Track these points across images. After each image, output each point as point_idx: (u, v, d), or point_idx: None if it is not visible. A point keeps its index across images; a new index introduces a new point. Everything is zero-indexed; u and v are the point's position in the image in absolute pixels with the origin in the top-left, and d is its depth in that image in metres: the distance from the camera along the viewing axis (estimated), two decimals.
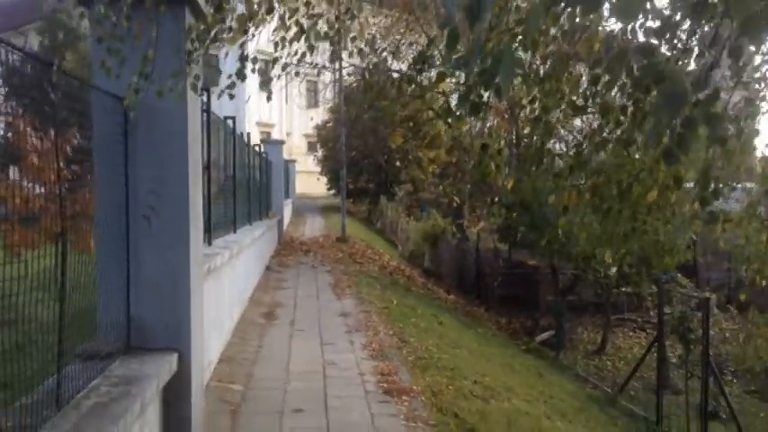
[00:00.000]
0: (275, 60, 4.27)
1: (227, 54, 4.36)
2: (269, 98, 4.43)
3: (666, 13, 2.20)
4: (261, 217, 12.99)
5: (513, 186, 10.69)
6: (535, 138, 4.72)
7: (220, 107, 7.82)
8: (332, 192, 30.88)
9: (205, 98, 5.96)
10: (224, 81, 3.86)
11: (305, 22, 3.86)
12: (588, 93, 3.26)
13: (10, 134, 3.85)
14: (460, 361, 7.67)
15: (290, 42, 3.86)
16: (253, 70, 3.90)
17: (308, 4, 3.91)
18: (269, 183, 16.27)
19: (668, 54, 2.48)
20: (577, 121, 14.05)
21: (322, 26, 3.96)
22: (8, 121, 3.98)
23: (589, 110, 5.02)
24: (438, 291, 16.57)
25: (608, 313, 14.24)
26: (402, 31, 16.59)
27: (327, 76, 21.61)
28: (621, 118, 3.10)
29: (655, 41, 2.27)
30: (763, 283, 6.75)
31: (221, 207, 7.79)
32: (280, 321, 8.53)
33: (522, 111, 12.67)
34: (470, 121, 9.53)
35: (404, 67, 15.33)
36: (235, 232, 8.60)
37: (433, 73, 3.44)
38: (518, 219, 13.67)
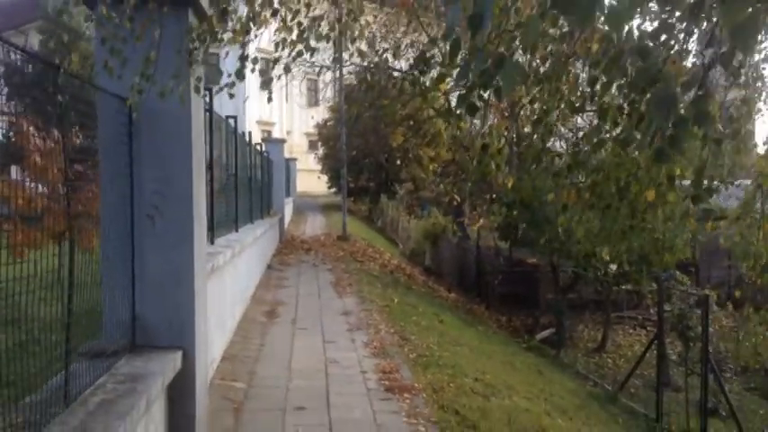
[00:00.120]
0: (276, 60, 4.29)
1: (227, 53, 4.38)
2: (269, 99, 4.45)
3: (663, 16, 2.24)
4: (262, 215, 13.02)
5: (513, 185, 10.74)
6: (535, 137, 4.74)
7: (221, 106, 7.85)
8: (333, 190, 30.89)
9: (207, 98, 5.99)
10: (224, 80, 3.87)
11: (306, 23, 3.87)
12: (586, 93, 3.29)
13: (12, 134, 3.87)
14: (461, 359, 7.70)
15: (292, 44, 3.88)
16: (252, 70, 3.91)
17: (308, 6, 3.93)
18: (270, 181, 16.30)
19: (664, 56, 2.51)
20: (578, 119, 14.04)
21: (323, 27, 3.97)
22: (11, 121, 3.99)
23: (588, 109, 5.06)
24: (439, 289, 16.61)
25: (608, 311, 14.25)
26: (403, 29, 16.59)
27: (328, 75, 21.63)
28: (619, 119, 3.14)
29: (650, 44, 2.30)
30: (759, 280, 6.78)
31: (223, 206, 7.81)
32: (281, 320, 8.57)
33: (522, 110, 12.68)
34: (470, 120, 9.56)
35: (404, 65, 15.35)
36: (237, 231, 8.64)
37: (434, 73, 3.47)
38: (518, 217, 13.67)
